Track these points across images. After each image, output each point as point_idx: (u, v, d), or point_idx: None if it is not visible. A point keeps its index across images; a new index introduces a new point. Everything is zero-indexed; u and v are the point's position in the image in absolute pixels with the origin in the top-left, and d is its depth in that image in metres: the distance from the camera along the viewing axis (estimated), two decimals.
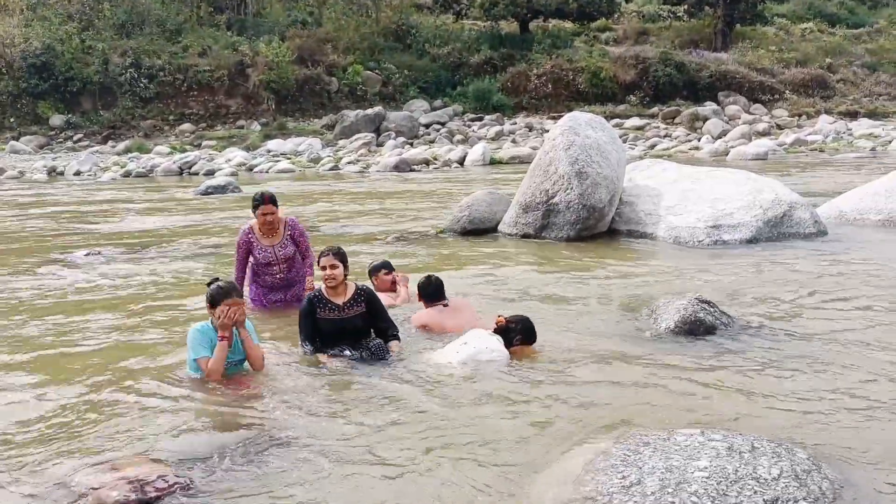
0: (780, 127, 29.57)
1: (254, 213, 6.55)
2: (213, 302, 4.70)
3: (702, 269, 7.82)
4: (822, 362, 4.89)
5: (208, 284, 4.83)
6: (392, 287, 6.78)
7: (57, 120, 29.90)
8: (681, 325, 5.72)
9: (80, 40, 30.50)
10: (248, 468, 3.58)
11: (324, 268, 5.38)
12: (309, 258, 6.67)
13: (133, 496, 3.20)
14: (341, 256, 5.43)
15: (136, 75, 30.46)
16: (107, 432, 4.03)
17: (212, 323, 4.77)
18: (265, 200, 6.45)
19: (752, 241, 9.11)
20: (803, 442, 3.65)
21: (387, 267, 6.87)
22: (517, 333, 5.31)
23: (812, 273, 7.49)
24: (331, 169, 22.67)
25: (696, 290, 6.65)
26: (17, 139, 28.57)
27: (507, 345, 5.18)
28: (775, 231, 9.33)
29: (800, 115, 31.35)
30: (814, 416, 4.06)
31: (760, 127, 28.32)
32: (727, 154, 23.37)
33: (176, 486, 3.34)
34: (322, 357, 5.23)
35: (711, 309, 5.88)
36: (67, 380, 4.94)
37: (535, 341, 5.35)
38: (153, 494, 3.25)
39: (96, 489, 3.27)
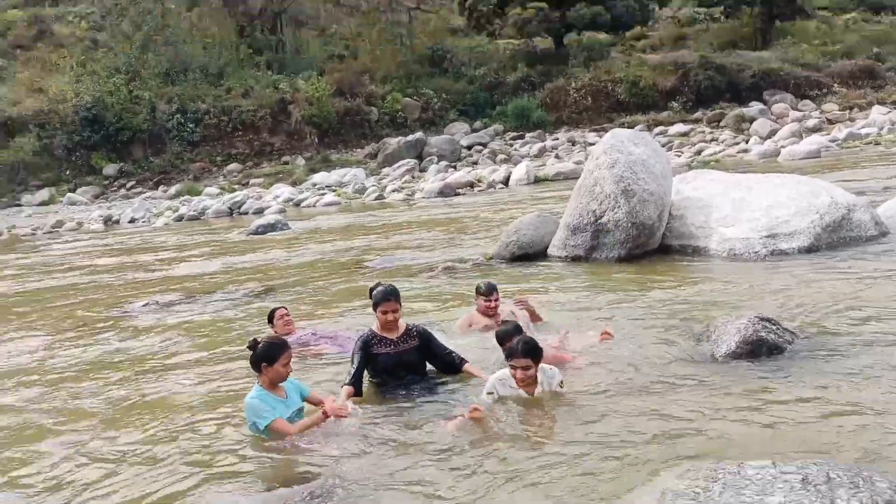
0: (831, 122, 28.81)
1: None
2: (271, 359, 4.74)
3: (760, 283, 7.60)
4: None
5: (251, 347, 4.85)
6: (489, 312, 6.68)
7: (110, 169, 30.77)
8: (742, 345, 5.54)
9: (127, 91, 31.43)
10: None
11: (385, 312, 5.44)
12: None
13: None
14: (398, 298, 5.51)
15: (182, 120, 31.22)
16: (167, 485, 4.07)
17: (261, 383, 4.81)
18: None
19: (811, 248, 8.82)
20: (883, 470, 3.48)
21: (485, 294, 6.75)
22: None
23: (878, 279, 7.21)
24: (376, 198, 22.83)
25: (756, 305, 6.46)
26: (73, 191, 29.47)
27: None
28: (834, 236, 9.01)
29: (851, 108, 30.51)
30: (893, 441, 3.87)
31: (810, 123, 27.63)
32: (778, 154, 22.84)
33: None
34: (349, 400, 5.19)
35: (773, 327, 5.69)
36: (130, 429, 5.02)
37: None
38: None
39: None
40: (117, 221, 23.35)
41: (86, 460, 4.72)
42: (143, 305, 9.75)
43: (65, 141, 30.60)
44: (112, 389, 6.25)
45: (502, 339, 5.30)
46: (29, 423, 5.59)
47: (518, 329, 5.52)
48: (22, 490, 4.40)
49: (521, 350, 4.83)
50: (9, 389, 6.62)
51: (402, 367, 5.50)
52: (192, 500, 3.94)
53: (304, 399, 5.05)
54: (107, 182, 30.67)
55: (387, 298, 5.49)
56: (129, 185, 30.25)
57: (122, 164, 31.05)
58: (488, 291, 6.74)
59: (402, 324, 5.63)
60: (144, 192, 29.08)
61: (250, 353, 4.84)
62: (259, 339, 4.91)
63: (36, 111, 31.28)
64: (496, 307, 6.66)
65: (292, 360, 4.89)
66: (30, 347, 8.19)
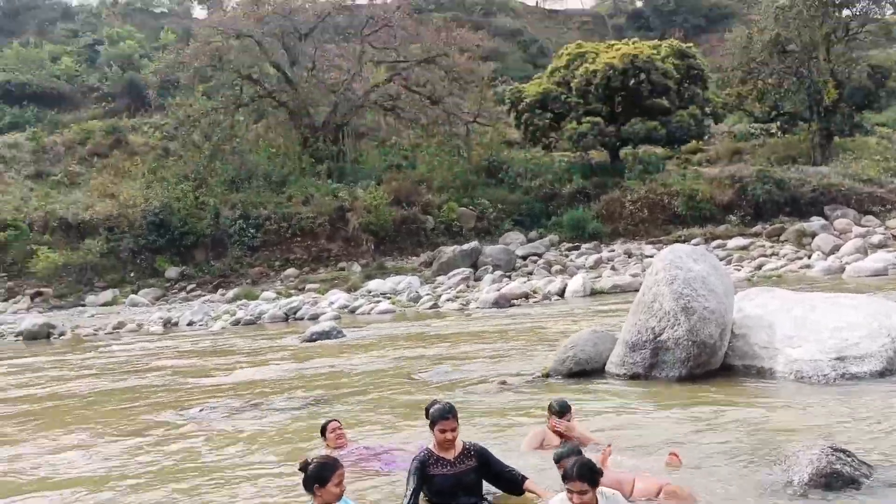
0: None
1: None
2: (323, 480, 4.66)
3: (831, 409, 7.27)
4: None
5: (302, 468, 4.77)
6: (558, 432, 6.46)
7: (172, 272, 31.62)
8: (816, 478, 5.27)
9: (194, 197, 32.63)
10: None
11: (443, 431, 5.35)
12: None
13: None
14: (456, 416, 5.41)
15: (244, 225, 32.15)
16: None
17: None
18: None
19: (884, 372, 8.45)
20: None
21: (558, 413, 6.55)
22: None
23: None
24: (430, 307, 22.86)
25: (828, 433, 6.15)
26: (136, 292, 30.26)
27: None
28: None
29: None
30: None
31: (875, 239, 27.03)
32: (842, 271, 22.31)
33: None
34: None
35: (848, 458, 5.41)
36: None
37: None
38: None
39: None
40: (176, 324, 23.76)
41: None
42: (199, 411, 9.78)
43: (131, 244, 31.67)
44: (171, 498, 6.18)
45: (559, 459, 5.12)
46: None
47: (576, 451, 5.33)
48: None
49: (577, 473, 4.63)
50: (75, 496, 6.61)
51: (460, 488, 5.35)
52: None
53: None
54: (168, 284, 31.45)
55: (444, 417, 5.38)
56: (189, 288, 30.96)
57: (184, 267, 31.90)
58: (562, 411, 6.55)
59: (459, 442, 5.50)
60: (204, 295, 29.68)
61: (302, 473, 4.75)
62: (310, 459, 4.82)
63: (106, 215, 32.60)
64: (572, 427, 6.47)
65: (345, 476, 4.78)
66: (84, 452, 8.21)
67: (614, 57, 34.17)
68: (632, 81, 33.47)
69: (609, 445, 5.92)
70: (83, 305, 29.50)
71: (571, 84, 35.02)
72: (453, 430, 5.38)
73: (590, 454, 5.54)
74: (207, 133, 36.52)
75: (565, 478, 4.70)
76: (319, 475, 4.65)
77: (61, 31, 56.19)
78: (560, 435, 6.44)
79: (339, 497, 4.73)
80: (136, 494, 6.46)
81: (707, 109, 36.36)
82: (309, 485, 4.69)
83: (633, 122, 34.04)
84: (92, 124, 42.53)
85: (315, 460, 4.82)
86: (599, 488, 4.73)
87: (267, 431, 8.51)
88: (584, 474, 4.63)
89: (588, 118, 34.02)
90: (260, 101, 38.99)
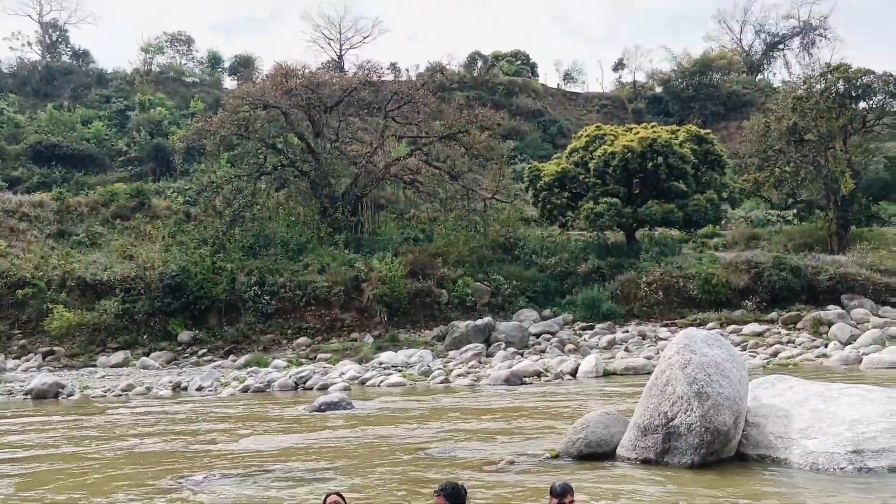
0: None
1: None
2: None
3: (848, 502, 7.06)
4: None
5: None
6: None
7: (185, 336, 31.58)
8: None
9: (211, 262, 32.84)
10: None
11: None
12: None
13: None
14: (454, 498, 5.23)
15: (259, 292, 32.22)
16: None
17: None
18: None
19: None
20: None
21: (559, 496, 6.37)
22: None
23: None
24: (441, 381, 22.64)
25: None
26: (147, 355, 30.20)
27: None
28: None
29: None
30: None
31: (894, 330, 26.72)
32: (860, 362, 21.98)
33: None
34: None
35: None
36: None
37: None
38: None
39: None
40: (185, 388, 23.62)
41: None
42: (203, 478, 9.64)
43: (146, 306, 31.76)
44: None
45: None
46: None
47: None
48: None
49: None
50: None
51: None
52: None
53: None
54: (180, 348, 31.38)
55: (438, 494, 5.26)
56: (200, 353, 30.86)
57: (197, 331, 31.85)
58: (563, 493, 6.41)
59: None
60: (215, 360, 29.54)
61: None
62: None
63: (124, 276, 32.81)
64: None
65: None
66: None
67: (633, 140, 34.65)
68: (650, 164, 33.84)
69: None
70: (94, 366, 29.44)
71: (589, 164, 35.45)
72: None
73: None
74: (229, 199, 37.03)
75: None
76: None
77: (95, 96, 57.83)
78: None
79: None
80: None
81: (724, 194, 36.59)
82: None
83: (649, 204, 34.26)
84: (117, 186, 43.26)
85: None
86: None
87: (269, 501, 8.36)
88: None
89: (605, 199, 34.29)
90: (282, 170, 39.67)
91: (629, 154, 34.04)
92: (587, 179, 35.36)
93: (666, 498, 7.87)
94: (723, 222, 39.09)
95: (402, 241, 36.75)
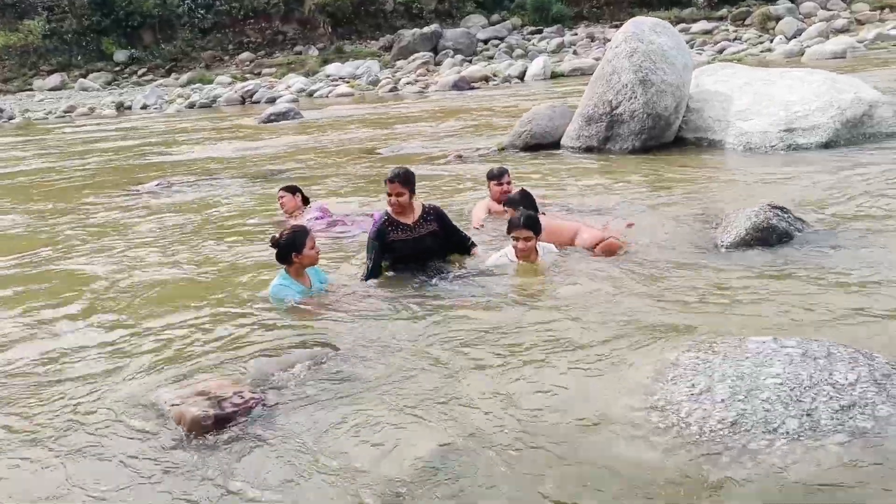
0: (860, 22, 27.79)
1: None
2: (299, 246, 4.75)
3: (775, 176, 7.52)
4: None
5: (274, 244, 4.83)
6: (501, 197, 6.42)
7: (121, 55, 30.31)
8: (752, 232, 5.50)
9: None
10: (316, 383, 3.67)
11: (389, 194, 5.32)
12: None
13: (211, 411, 3.33)
14: (404, 180, 5.32)
15: (192, 6, 30.50)
16: (185, 356, 4.18)
17: (287, 272, 4.84)
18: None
19: (829, 144, 8.67)
20: (882, 347, 3.50)
21: (496, 178, 6.65)
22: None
23: (895, 175, 7.12)
24: (390, 90, 22.49)
25: (769, 197, 6.39)
26: (84, 77, 29.15)
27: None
28: (855, 132, 8.84)
29: (882, 9, 29.39)
30: (893, 324, 3.89)
31: (838, 23, 26.68)
32: (802, 54, 22.20)
33: (251, 402, 3.45)
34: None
35: (784, 215, 5.65)
36: (144, 307, 5.12)
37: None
38: (230, 410, 3.36)
39: (177, 405, 3.40)
40: (129, 107, 23.17)
41: (110, 324, 4.85)
42: (156, 185, 9.81)
43: (74, 25, 30.03)
44: (132, 262, 6.35)
45: (510, 204, 5.48)
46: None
47: (525, 197, 5.59)
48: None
49: (524, 222, 4.92)
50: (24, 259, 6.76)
51: (422, 252, 5.30)
52: (198, 364, 4.05)
53: (325, 289, 5.02)
54: (118, 69, 30.27)
55: (391, 180, 5.25)
56: (140, 73, 29.87)
57: (132, 50, 30.54)
58: (500, 175, 6.67)
59: (419, 205, 5.41)
60: (156, 80, 28.71)
61: (275, 249, 4.82)
62: (278, 234, 4.89)
63: None
64: (508, 191, 6.54)
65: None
66: (44, 222, 8.29)
67: None
68: None
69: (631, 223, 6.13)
70: (31, 90, 28.47)
71: None
72: (400, 195, 5.24)
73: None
74: None
75: (512, 226, 4.92)
76: (294, 242, 4.74)
77: None
78: (500, 201, 6.55)
79: (316, 259, 4.86)
80: (91, 254, 6.61)
81: None
82: (285, 255, 4.78)
83: None
84: None
85: (285, 232, 4.87)
86: (539, 241, 4.99)
87: (220, 200, 8.62)
88: (529, 224, 4.86)
89: None
90: None
91: None
92: None
93: (606, 175, 8.29)
94: None
95: None
